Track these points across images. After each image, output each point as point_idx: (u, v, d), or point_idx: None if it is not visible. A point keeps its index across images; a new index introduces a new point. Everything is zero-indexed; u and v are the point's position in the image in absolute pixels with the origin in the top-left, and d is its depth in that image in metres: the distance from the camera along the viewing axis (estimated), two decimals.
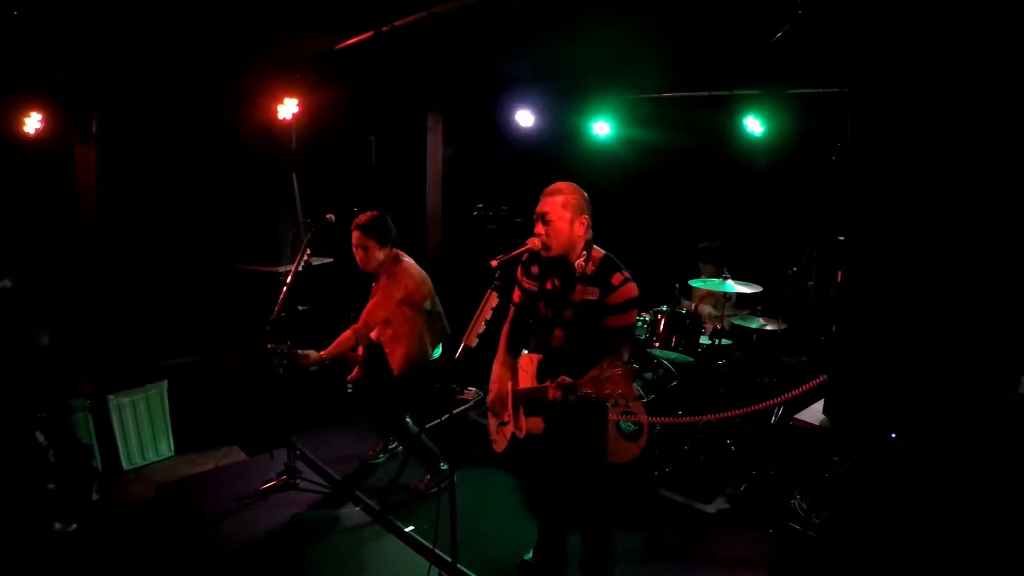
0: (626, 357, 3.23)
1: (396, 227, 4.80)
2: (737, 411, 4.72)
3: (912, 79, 3.56)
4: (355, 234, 4.71)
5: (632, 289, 3.23)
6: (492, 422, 3.66)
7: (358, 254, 4.74)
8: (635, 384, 3.08)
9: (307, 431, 5.73)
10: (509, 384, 3.51)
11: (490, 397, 3.60)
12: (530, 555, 3.92)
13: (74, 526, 4.48)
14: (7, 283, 4.80)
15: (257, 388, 5.92)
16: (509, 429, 3.49)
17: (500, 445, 3.62)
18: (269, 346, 4.55)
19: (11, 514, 4.41)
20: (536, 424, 3.38)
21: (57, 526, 4.43)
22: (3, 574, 4.07)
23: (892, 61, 3.64)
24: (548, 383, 3.22)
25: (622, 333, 3.24)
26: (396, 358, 4.74)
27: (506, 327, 3.67)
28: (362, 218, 4.70)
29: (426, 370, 4.81)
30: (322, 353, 4.62)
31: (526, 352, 3.51)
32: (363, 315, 4.69)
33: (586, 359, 3.09)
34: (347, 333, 4.65)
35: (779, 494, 4.52)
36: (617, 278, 3.22)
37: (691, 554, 4.25)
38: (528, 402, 3.39)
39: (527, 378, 3.43)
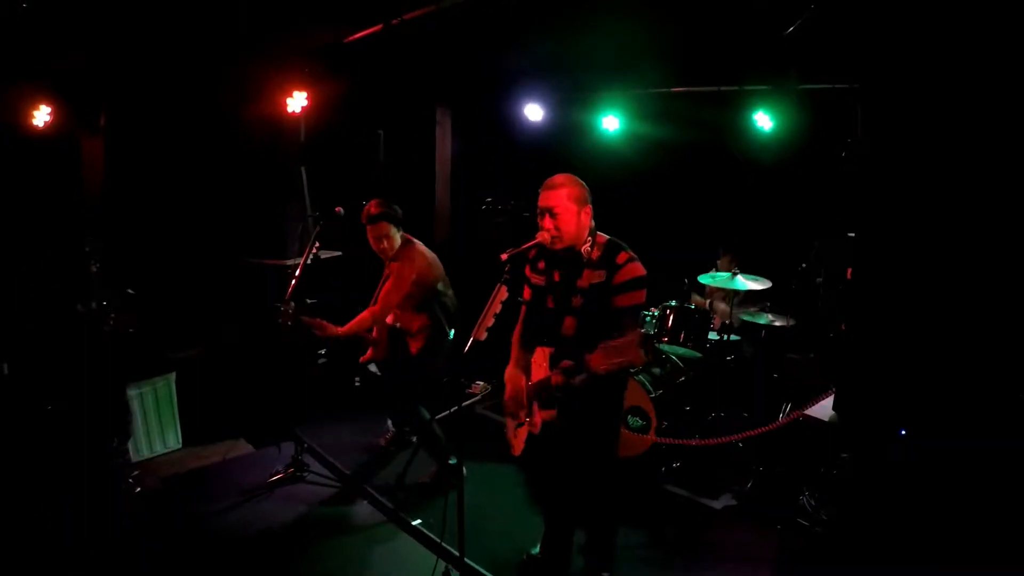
0: (636, 339, 3.17)
1: (404, 220, 4.82)
2: (755, 430, 4.71)
3: (924, 75, 3.54)
4: (372, 227, 4.73)
5: (637, 268, 3.24)
6: (510, 425, 3.65)
7: (381, 244, 4.77)
8: (642, 351, 3.02)
9: (314, 424, 5.75)
10: (523, 381, 3.51)
11: (506, 396, 3.59)
12: (536, 549, 3.93)
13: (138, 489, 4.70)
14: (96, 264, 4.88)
15: (264, 381, 5.93)
16: (525, 431, 3.49)
17: (518, 448, 3.62)
18: (275, 305, 4.62)
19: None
20: (549, 415, 3.38)
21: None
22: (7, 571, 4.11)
23: (903, 57, 3.62)
24: (548, 375, 3.25)
25: (629, 312, 3.23)
26: (415, 341, 4.78)
27: (518, 327, 3.68)
28: (372, 209, 4.71)
29: (443, 352, 4.85)
30: (339, 330, 4.70)
31: (540, 347, 3.50)
32: (379, 299, 4.74)
33: (595, 345, 3.07)
34: (364, 314, 4.73)
35: (786, 491, 4.51)
36: (622, 257, 3.24)
37: (697, 550, 4.24)
38: (540, 394, 3.40)
39: (540, 372, 3.43)
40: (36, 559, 4.11)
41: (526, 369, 3.56)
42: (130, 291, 4.98)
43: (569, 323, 3.33)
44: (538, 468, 3.80)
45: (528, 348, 3.59)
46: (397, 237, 4.78)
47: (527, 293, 3.62)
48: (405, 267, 4.70)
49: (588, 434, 3.41)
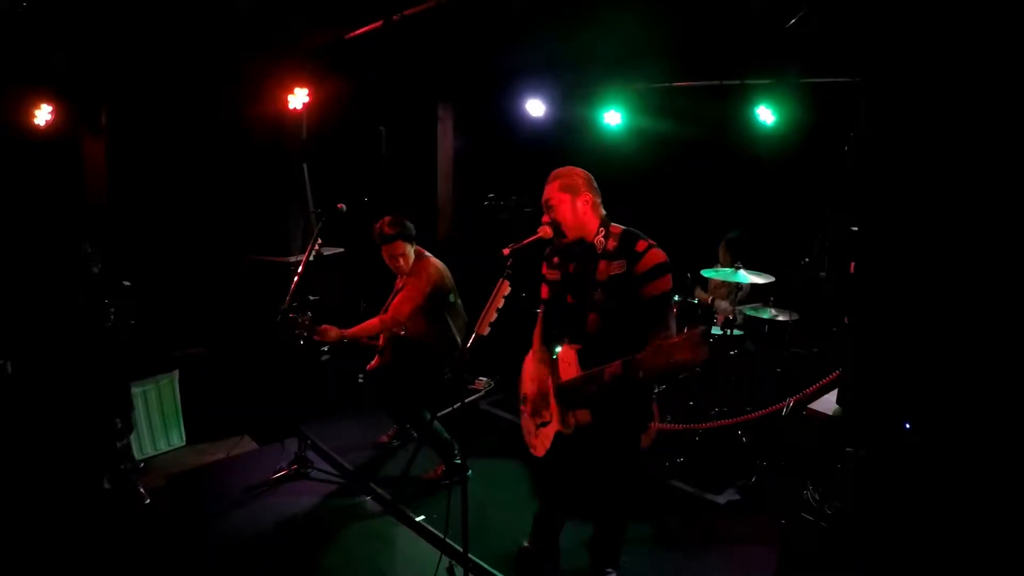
0: (674, 327, 3.09)
1: (407, 218, 4.82)
2: (748, 415, 4.73)
3: (927, 67, 3.53)
4: (386, 247, 4.72)
5: (659, 254, 3.16)
6: (530, 425, 3.54)
7: (397, 263, 4.77)
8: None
9: (318, 420, 5.76)
10: (550, 381, 3.40)
11: (529, 394, 3.52)
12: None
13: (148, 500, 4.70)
14: (96, 267, 4.89)
15: (268, 377, 5.94)
16: (551, 429, 3.36)
17: (541, 449, 3.47)
18: (292, 316, 4.58)
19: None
20: (584, 415, 3.26)
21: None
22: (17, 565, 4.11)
23: (906, 49, 3.61)
24: (600, 367, 3.06)
25: (660, 301, 3.13)
26: (422, 351, 4.77)
27: (537, 326, 3.63)
28: (386, 229, 4.69)
29: (450, 362, 4.85)
30: (344, 332, 4.68)
31: (566, 344, 3.38)
32: (391, 308, 4.72)
33: (624, 340, 3.02)
34: (374, 320, 4.73)
35: (790, 484, 4.51)
36: (641, 245, 3.16)
37: (701, 544, 4.24)
38: (576, 393, 3.26)
39: (570, 370, 3.28)
40: (38, 559, 4.11)
41: (551, 366, 3.45)
42: (126, 283, 4.97)
43: (592, 319, 3.25)
44: (551, 463, 3.65)
45: (550, 346, 3.52)
46: (412, 253, 4.80)
47: (544, 292, 3.57)
48: (421, 279, 4.71)
49: (621, 437, 3.36)
